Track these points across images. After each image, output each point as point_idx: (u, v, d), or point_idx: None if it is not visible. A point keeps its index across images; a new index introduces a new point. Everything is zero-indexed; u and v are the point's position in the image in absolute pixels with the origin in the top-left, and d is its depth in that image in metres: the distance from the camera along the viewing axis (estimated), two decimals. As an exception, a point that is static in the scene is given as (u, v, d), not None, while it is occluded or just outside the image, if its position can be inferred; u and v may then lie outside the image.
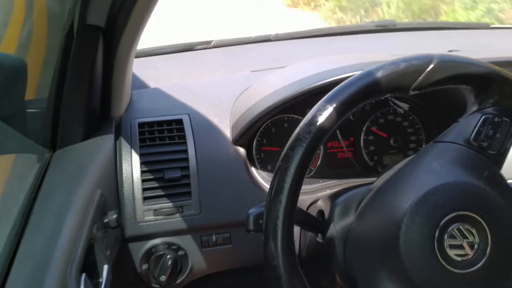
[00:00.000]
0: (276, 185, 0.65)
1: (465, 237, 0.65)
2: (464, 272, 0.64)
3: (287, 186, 0.64)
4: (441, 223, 0.64)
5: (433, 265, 0.64)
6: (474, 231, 0.65)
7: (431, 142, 0.75)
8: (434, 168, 0.70)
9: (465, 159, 0.70)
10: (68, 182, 0.74)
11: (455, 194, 0.66)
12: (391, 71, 0.66)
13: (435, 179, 0.68)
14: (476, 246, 0.65)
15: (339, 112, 0.65)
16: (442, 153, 0.71)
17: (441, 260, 0.64)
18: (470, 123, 0.72)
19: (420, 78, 0.67)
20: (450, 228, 0.64)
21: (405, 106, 0.99)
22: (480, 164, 0.69)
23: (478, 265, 0.65)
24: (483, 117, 0.71)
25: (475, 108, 0.73)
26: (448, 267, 0.64)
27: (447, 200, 0.66)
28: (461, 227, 0.65)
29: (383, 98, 0.68)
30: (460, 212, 0.65)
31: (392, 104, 0.97)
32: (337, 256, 0.76)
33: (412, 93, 0.68)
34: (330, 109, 0.65)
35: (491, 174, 0.69)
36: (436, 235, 0.64)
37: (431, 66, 0.67)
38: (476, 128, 0.71)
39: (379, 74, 0.66)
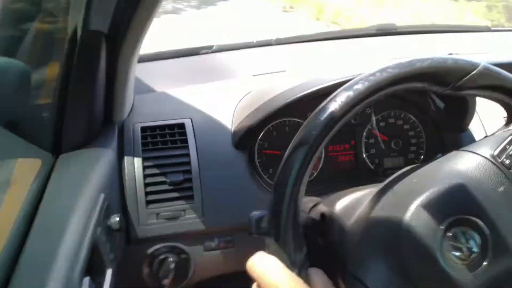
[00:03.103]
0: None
1: (467, 241, 0.65)
2: (463, 277, 0.64)
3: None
4: (445, 224, 0.64)
5: (435, 269, 0.64)
6: (477, 236, 0.65)
7: (456, 150, 0.75)
8: (447, 172, 0.70)
9: (483, 170, 0.69)
10: (71, 186, 0.74)
11: (461, 197, 0.66)
12: (438, 64, 0.66)
13: (444, 181, 0.68)
14: (476, 252, 0.65)
15: (372, 90, 0.64)
16: (462, 160, 0.71)
17: (442, 263, 0.64)
18: (499, 137, 0.72)
19: (464, 79, 0.66)
20: (452, 231, 0.65)
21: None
22: (497, 179, 0.68)
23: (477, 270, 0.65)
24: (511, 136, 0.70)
25: (509, 124, 0.74)
26: (449, 271, 0.64)
27: (452, 201, 0.66)
28: (464, 231, 0.65)
29: (415, 88, 0.68)
30: (464, 216, 0.65)
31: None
32: (339, 258, 0.76)
33: (448, 92, 0.68)
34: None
35: (506, 191, 0.67)
36: (439, 236, 0.64)
37: (477, 70, 0.66)
38: (503, 144, 0.69)
39: (425, 63, 0.66)
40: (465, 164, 0.70)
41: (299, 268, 0.58)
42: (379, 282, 0.67)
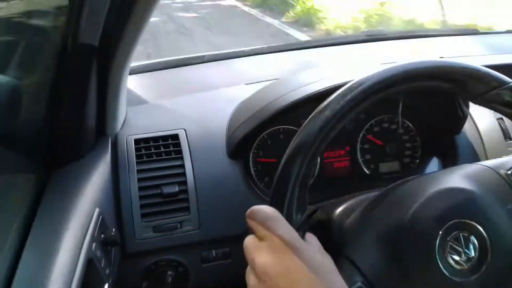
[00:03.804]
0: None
1: (466, 246, 0.65)
2: (462, 281, 0.64)
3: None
4: (445, 227, 0.64)
5: (433, 271, 0.64)
6: (476, 241, 0.65)
7: (471, 163, 0.75)
8: (453, 179, 0.70)
9: (494, 185, 0.69)
10: (65, 202, 0.73)
11: (466, 203, 0.66)
12: (472, 70, 0.66)
13: (449, 185, 0.69)
14: (475, 256, 0.65)
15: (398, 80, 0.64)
16: (474, 173, 0.71)
17: (441, 266, 0.64)
18: None
19: (492, 92, 0.66)
20: (452, 235, 0.64)
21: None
22: (506, 196, 0.68)
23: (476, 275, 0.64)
24: None
25: None
26: (447, 274, 0.64)
27: (454, 204, 0.66)
28: (462, 235, 0.65)
29: (443, 88, 0.68)
30: (464, 220, 0.65)
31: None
32: (335, 242, 0.75)
33: (474, 100, 0.69)
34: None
35: None
36: (438, 239, 0.64)
37: (506, 86, 0.66)
38: None
39: (459, 65, 0.66)
40: (477, 175, 0.70)
41: (297, 229, 0.57)
42: (373, 267, 0.67)
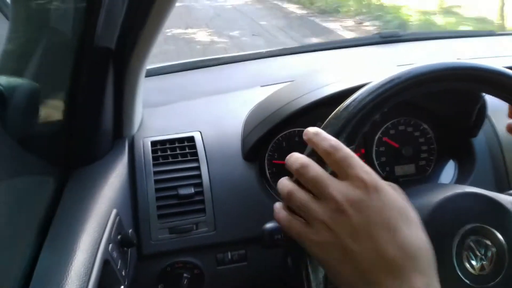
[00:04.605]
0: None
1: (484, 251, 0.64)
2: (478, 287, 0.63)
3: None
4: (463, 231, 0.63)
5: (449, 274, 0.63)
6: (493, 248, 0.64)
7: None
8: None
9: None
10: (83, 203, 0.74)
11: (482, 206, 0.65)
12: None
13: (470, 189, 0.68)
14: (492, 263, 0.64)
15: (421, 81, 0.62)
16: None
17: (458, 270, 0.63)
18: None
19: None
20: (469, 239, 0.64)
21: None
22: None
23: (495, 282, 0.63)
24: None
25: None
26: (464, 279, 0.63)
27: (473, 208, 0.65)
28: (481, 240, 0.64)
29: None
30: (483, 225, 0.64)
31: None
32: None
33: None
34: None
35: None
36: (456, 242, 0.63)
37: None
38: None
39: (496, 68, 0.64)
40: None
41: None
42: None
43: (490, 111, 0.98)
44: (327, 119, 0.60)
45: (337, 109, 0.60)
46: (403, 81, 0.61)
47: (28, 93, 0.78)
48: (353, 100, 0.59)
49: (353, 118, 0.59)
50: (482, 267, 0.63)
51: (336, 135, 0.57)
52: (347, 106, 0.59)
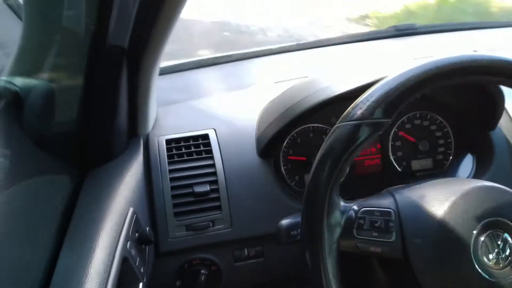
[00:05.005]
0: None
1: (502, 246, 0.63)
2: (497, 282, 0.62)
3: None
4: (482, 224, 0.63)
5: (467, 267, 0.62)
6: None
7: None
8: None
9: None
10: (101, 202, 0.75)
11: (502, 200, 0.65)
12: None
13: (489, 183, 0.68)
14: (510, 257, 0.63)
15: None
16: None
17: (475, 263, 0.62)
18: None
19: None
20: (488, 233, 0.63)
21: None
22: None
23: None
24: None
25: None
26: (482, 273, 0.62)
27: (492, 202, 0.64)
28: (499, 234, 0.63)
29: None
30: (502, 219, 0.63)
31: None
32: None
33: None
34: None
35: None
36: (474, 235, 0.62)
37: None
38: None
39: None
40: None
41: None
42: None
43: (507, 103, 0.96)
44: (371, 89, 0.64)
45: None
46: (447, 65, 0.64)
47: (44, 93, 0.79)
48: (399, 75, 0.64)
49: (394, 93, 0.63)
50: (500, 261, 0.62)
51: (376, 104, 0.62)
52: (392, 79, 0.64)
